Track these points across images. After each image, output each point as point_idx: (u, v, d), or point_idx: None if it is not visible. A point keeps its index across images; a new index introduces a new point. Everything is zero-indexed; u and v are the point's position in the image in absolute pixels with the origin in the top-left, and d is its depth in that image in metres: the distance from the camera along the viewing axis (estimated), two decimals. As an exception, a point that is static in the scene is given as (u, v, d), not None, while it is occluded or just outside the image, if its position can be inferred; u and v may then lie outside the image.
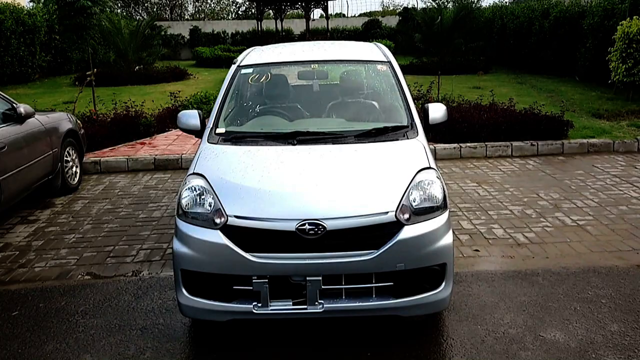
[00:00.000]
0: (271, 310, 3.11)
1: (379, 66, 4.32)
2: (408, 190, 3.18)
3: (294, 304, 3.12)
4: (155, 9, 30.18)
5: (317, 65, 4.41)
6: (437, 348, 3.27)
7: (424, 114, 4.03)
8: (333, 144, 3.59)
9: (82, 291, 4.07)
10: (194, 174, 3.37)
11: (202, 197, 3.22)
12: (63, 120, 6.33)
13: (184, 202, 3.24)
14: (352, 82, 4.43)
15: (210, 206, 3.17)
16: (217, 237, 3.08)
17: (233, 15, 30.64)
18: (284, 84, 4.44)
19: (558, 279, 4.04)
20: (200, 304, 3.17)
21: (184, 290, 3.20)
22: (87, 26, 8.88)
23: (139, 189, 6.53)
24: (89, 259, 4.62)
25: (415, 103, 9.37)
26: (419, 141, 3.63)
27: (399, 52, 22.80)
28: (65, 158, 6.29)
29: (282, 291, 3.12)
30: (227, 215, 3.09)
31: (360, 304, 3.13)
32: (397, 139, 3.66)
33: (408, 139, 3.66)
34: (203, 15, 30.01)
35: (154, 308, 3.78)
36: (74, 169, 6.53)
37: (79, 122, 6.93)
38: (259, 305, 3.10)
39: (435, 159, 7.42)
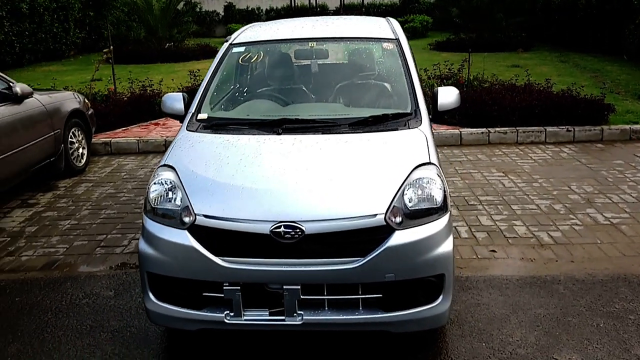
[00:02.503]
0: (245, 320, 2.77)
1: (385, 44, 3.86)
2: (402, 190, 2.77)
3: (270, 314, 2.78)
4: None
5: (315, 43, 3.98)
6: (431, 368, 2.89)
7: (432, 99, 3.58)
8: (323, 133, 3.18)
9: (63, 285, 3.84)
10: (164, 165, 3.05)
11: (172, 192, 2.89)
12: (68, 100, 6.12)
13: (151, 197, 2.92)
14: (354, 63, 3.98)
15: (179, 203, 2.84)
16: (184, 238, 2.76)
17: (268, -9, 30.11)
18: (278, 64, 4.03)
19: (582, 288, 3.57)
20: (169, 311, 2.87)
21: (151, 296, 2.90)
22: (106, 2, 8.55)
23: (146, 172, 6.29)
24: (78, 249, 4.40)
25: (443, 83, 8.77)
26: (422, 131, 3.19)
27: (436, 28, 21.94)
28: (70, 139, 6.09)
29: (258, 299, 2.78)
30: (195, 214, 2.76)
31: (345, 317, 2.76)
32: (397, 129, 3.22)
33: (409, 128, 3.22)
34: (238, -9, 29.57)
35: (131, 308, 3.51)
36: (80, 150, 6.33)
37: (87, 101, 6.71)
38: (232, 314, 2.77)
39: (461, 144, 6.95)
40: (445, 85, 8.59)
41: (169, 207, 2.86)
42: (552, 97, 7.21)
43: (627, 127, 6.90)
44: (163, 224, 2.84)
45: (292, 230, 2.64)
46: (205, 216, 2.74)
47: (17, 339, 3.23)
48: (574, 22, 14.66)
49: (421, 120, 3.29)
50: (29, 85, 5.52)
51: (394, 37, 3.89)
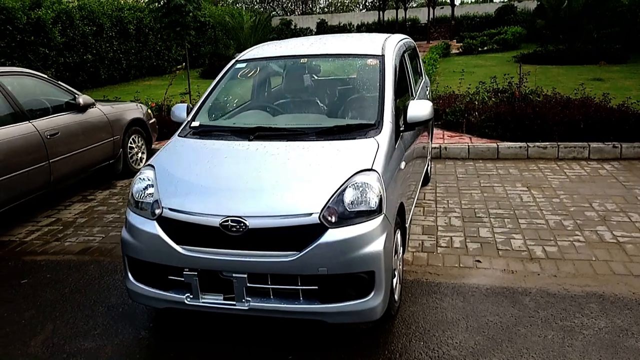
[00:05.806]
0: (202, 302, 3.18)
1: (369, 60, 4.12)
2: (339, 192, 3.04)
3: (224, 299, 3.16)
4: (288, 4, 31.46)
5: (307, 60, 4.33)
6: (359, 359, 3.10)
7: (403, 111, 3.78)
8: (288, 141, 3.52)
9: (88, 267, 4.49)
10: (147, 165, 3.55)
11: (149, 188, 3.38)
12: (129, 110, 6.94)
13: (133, 191, 3.43)
14: (340, 77, 4.28)
15: (153, 197, 3.31)
16: (153, 227, 3.22)
17: (361, 7, 30.78)
18: (273, 78, 4.43)
19: (548, 302, 3.57)
20: (143, 290, 3.34)
21: (130, 277, 3.39)
22: (182, 23, 9.54)
23: (193, 176, 6.93)
24: (111, 238, 5.06)
25: (496, 96, 8.59)
26: (376, 141, 3.42)
27: (530, 39, 21.23)
28: (130, 145, 6.90)
29: (215, 285, 3.17)
30: (162, 207, 3.21)
31: (287, 305, 3.07)
32: (355, 138, 3.48)
33: (366, 138, 3.46)
34: (333, 8, 30.54)
35: (131, 289, 4.04)
36: (139, 154, 7.14)
37: (149, 112, 7.53)
38: (191, 297, 3.19)
39: (498, 158, 6.90)
40: (500, 98, 8.49)
41: (145, 201, 3.34)
42: (601, 112, 6.92)
43: (680, 144, 6.47)
44: (140, 215, 3.33)
45: (238, 224, 3.00)
46: (170, 209, 3.19)
47: (35, 307, 3.88)
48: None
49: (380, 131, 3.51)
50: (107, 97, 6.34)
51: (380, 54, 4.12)
